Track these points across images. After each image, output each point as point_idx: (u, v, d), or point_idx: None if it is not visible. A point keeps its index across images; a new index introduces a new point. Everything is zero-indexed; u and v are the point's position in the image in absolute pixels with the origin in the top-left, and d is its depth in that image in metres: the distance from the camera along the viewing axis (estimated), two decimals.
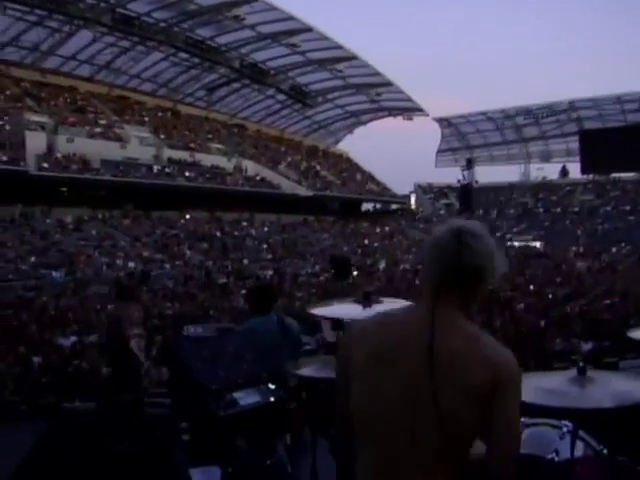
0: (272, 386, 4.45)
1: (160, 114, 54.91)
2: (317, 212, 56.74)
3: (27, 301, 20.15)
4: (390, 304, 4.38)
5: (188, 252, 38.88)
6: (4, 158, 35.88)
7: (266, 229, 48.98)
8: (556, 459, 2.73)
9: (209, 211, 47.56)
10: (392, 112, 68.70)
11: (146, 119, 52.13)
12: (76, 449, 4.34)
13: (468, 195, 50.51)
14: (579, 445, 2.78)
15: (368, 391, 2.02)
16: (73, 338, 13.12)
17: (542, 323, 13.60)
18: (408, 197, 74.12)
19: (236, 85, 58.16)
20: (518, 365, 1.97)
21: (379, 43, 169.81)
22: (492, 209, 66.09)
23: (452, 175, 67.83)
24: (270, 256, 42.17)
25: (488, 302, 16.79)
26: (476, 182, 63.49)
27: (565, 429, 2.87)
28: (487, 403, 1.91)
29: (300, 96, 61.49)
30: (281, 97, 62.18)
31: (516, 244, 52.30)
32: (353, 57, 54.53)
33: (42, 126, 41.64)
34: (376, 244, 52.07)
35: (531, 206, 66.11)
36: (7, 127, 39.12)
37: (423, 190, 74.36)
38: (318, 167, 64.16)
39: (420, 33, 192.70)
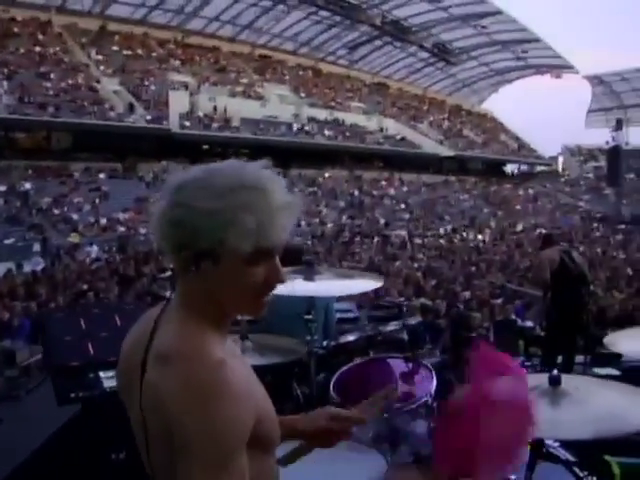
0: None
1: (301, 73, 55.29)
2: (459, 172, 55.40)
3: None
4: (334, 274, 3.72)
5: (324, 210, 38.85)
6: (148, 117, 37.11)
7: (405, 189, 48.21)
8: None
9: (348, 170, 47.32)
10: (539, 70, 65.99)
11: (287, 78, 52.59)
12: None
13: (616, 158, 47.57)
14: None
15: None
16: None
17: None
18: (555, 159, 71.03)
19: (378, 43, 57.51)
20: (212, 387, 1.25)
21: None
22: None
23: (603, 136, 64.13)
24: (407, 216, 41.49)
25: None
26: (626, 144, 59.59)
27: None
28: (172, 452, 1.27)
29: (443, 53, 60.13)
30: (424, 54, 61.06)
31: None
32: (498, 12, 52.46)
33: (185, 86, 42.80)
34: (518, 207, 50.25)
35: None
36: (152, 87, 40.59)
37: (571, 152, 71.37)
38: (461, 126, 62.56)
39: None
